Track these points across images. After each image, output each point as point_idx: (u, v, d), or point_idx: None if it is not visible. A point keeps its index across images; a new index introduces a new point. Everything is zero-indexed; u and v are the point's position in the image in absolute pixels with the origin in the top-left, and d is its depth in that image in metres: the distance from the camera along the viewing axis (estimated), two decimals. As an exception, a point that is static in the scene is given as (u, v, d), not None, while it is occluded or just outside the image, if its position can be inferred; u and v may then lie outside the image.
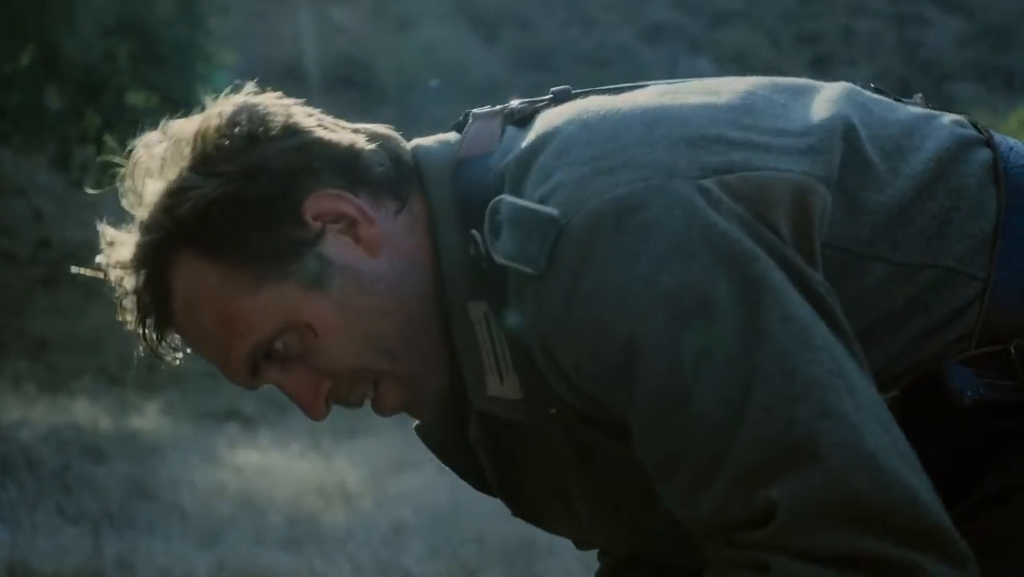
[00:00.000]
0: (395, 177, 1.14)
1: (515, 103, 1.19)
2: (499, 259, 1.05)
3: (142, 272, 1.12)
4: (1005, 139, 1.17)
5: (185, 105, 1.15)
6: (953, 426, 1.08)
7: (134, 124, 1.24)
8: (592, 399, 1.06)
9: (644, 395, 1.00)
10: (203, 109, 1.15)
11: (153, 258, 1.11)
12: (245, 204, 1.09)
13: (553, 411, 1.10)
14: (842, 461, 0.94)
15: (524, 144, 1.10)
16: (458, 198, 1.12)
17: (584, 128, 1.09)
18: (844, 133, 1.10)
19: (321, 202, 1.11)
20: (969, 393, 1.07)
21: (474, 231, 1.07)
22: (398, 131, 1.19)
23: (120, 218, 1.16)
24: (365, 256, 1.12)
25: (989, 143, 1.15)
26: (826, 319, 0.99)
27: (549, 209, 1.03)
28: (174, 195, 1.10)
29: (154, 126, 1.16)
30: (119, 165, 1.18)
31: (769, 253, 1.00)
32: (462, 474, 1.28)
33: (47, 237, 10.88)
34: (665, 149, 1.05)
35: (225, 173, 1.09)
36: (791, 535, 0.94)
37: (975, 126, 1.18)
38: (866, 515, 0.94)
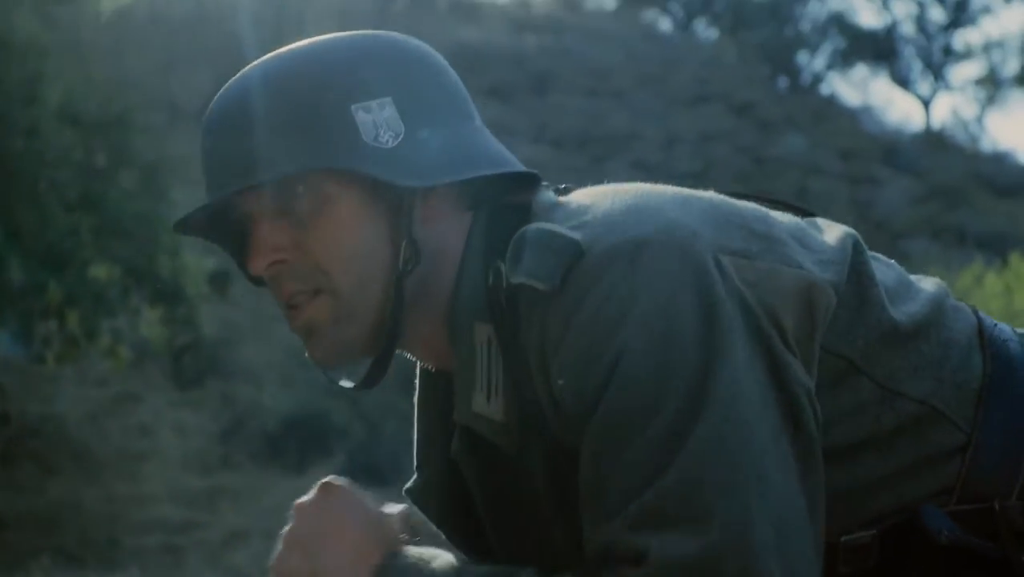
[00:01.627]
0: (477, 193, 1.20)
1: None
2: (516, 279, 1.08)
3: None
4: (987, 316, 1.22)
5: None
6: (930, 566, 1.10)
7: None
8: (570, 428, 1.08)
9: (599, 420, 1.04)
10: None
11: None
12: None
13: (530, 439, 1.13)
14: (722, 540, 0.98)
15: (560, 199, 1.18)
16: (490, 229, 1.17)
17: (621, 191, 1.16)
18: (855, 246, 1.16)
19: None
20: (945, 533, 1.09)
21: (499, 262, 1.12)
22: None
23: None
24: (420, 214, 1.16)
25: (975, 312, 1.21)
26: (789, 419, 1.04)
27: (574, 234, 1.08)
28: None
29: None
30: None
31: (757, 340, 1.05)
32: (455, 532, 1.30)
33: (6, 411, 10.73)
34: (695, 218, 1.11)
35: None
36: None
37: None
38: None
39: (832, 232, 1.18)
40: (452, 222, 1.19)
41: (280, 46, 1.21)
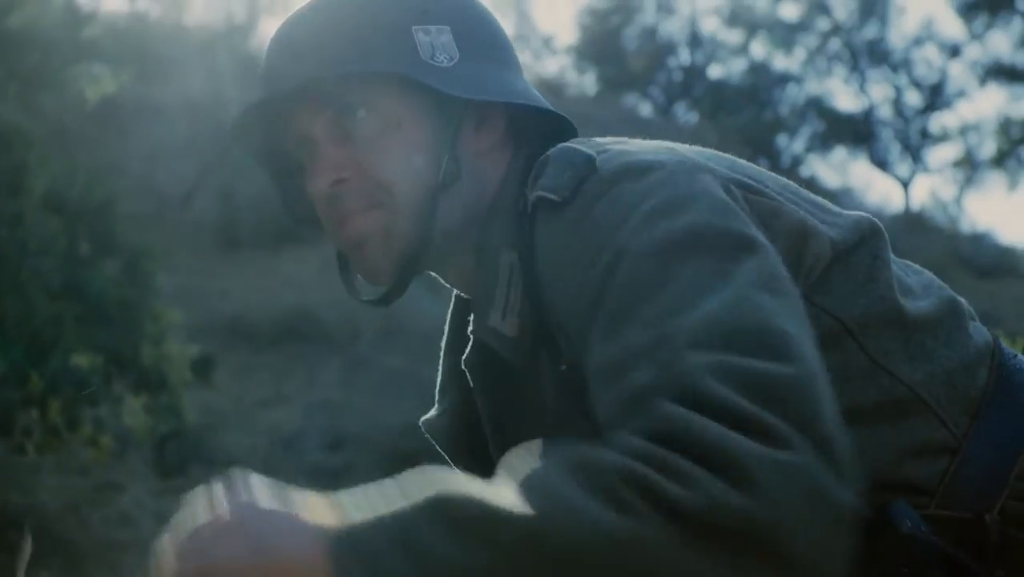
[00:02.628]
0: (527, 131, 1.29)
1: None
2: (534, 193, 1.13)
3: None
4: (1008, 348, 1.25)
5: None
6: (895, 557, 1.10)
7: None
8: (577, 332, 1.11)
9: (613, 296, 1.05)
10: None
11: None
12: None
13: (539, 355, 1.17)
14: (800, 367, 0.99)
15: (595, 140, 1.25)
16: (528, 163, 1.23)
17: (652, 142, 1.23)
18: (872, 228, 1.21)
19: (485, 104, 1.26)
20: (908, 524, 1.09)
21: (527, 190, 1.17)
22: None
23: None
24: (472, 145, 1.25)
25: (996, 339, 1.24)
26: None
27: (592, 152, 1.14)
28: None
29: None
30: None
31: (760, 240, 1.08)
32: (463, 465, 1.32)
33: (-14, 503, 10.62)
34: (712, 160, 1.17)
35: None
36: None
37: None
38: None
39: (852, 214, 1.23)
40: (497, 155, 1.27)
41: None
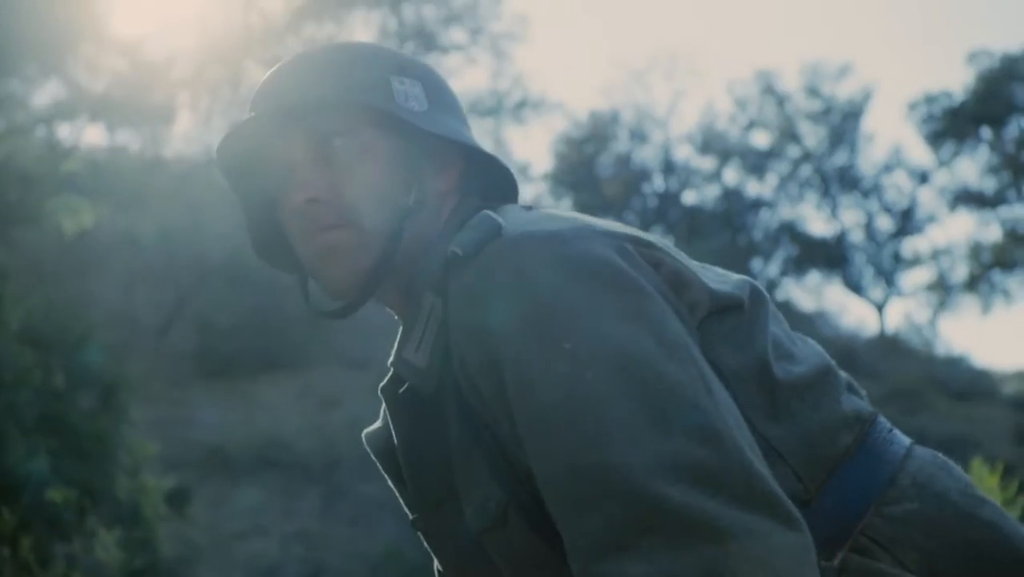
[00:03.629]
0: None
1: None
2: (450, 249, 1.23)
3: None
4: (886, 421, 1.33)
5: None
6: None
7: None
8: (479, 391, 1.20)
9: (524, 414, 1.14)
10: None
11: None
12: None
13: (445, 388, 1.25)
14: (721, 452, 1.08)
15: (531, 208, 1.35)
16: (468, 214, 1.34)
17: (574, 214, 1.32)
18: (753, 291, 1.30)
19: (448, 146, 1.38)
20: None
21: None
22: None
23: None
24: (432, 184, 1.36)
25: (875, 413, 1.32)
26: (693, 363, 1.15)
27: (502, 221, 1.24)
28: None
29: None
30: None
31: (652, 299, 1.17)
32: (388, 468, 1.43)
33: (-46, 643, 10.34)
34: (608, 226, 1.25)
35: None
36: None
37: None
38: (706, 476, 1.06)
39: (736, 277, 1.32)
40: (449, 199, 1.38)
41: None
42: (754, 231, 31.49)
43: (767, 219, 31.65)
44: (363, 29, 27.48)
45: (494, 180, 1.42)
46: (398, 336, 1.35)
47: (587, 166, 31.41)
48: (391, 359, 1.34)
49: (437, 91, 1.40)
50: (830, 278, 31.87)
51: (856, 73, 49.14)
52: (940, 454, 1.34)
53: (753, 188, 32.10)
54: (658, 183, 31.94)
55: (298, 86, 1.34)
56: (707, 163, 31.88)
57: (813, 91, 31.31)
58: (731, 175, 32.21)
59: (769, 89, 31.42)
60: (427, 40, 27.93)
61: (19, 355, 10.33)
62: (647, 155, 32.08)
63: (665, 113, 35.44)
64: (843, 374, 1.34)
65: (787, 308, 27.77)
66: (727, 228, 30.76)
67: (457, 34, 28.56)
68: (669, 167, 31.78)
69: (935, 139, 29.71)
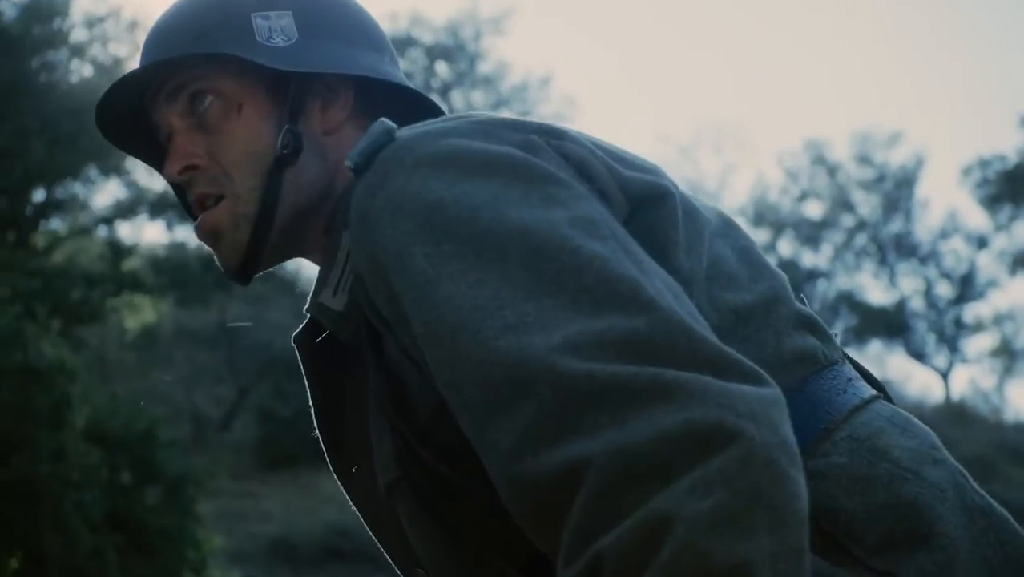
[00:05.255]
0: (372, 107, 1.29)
1: None
2: (346, 164, 1.13)
3: None
4: (849, 371, 1.18)
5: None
6: None
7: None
8: (382, 317, 1.08)
9: (417, 322, 1.01)
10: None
11: None
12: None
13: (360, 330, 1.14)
14: (653, 315, 0.94)
15: None
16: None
17: None
18: (664, 192, 1.13)
19: (332, 78, 1.27)
20: None
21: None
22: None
23: None
24: (319, 123, 1.26)
25: (828, 352, 1.17)
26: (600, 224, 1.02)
27: (393, 125, 1.12)
28: None
29: None
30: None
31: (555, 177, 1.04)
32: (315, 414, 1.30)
33: None
34: (515, 120, 1.13)
35: None
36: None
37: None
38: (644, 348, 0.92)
39: (647, 179, 1.16)
40: (350, 133, 1.27)
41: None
42: (812, 302, 31.18)
43: (824, 289, 31.45)
44: (414, 117, 27.83)
45: (410, 108, 1.30)
46: (315, 283, 1.25)
47: (641, 243, 31.41)
48: (306, 305, 1.25)
49: (317, 16, 1.29)
50: (892, 346, 31.52)
51: (907, 139, 49.00)
52: (910, 415, 1.19)
53: (808, 259, 31.95)
54: (713, 257, 31.84)
55: (157, 46, 1.26)
56: (761, 235, 31.78)
57: (864, 159, 31.26)
58: (785, 246, 32.11)
59: (820, 159, 31.42)
60: (477, 125, 28.24)
61: (86, 454, 10.47)
62: (700, 230, 32.03)
63: (716, 187, 35.42)
64: (806, 311, 1.20)
65: (849, 378, 27.33)
66: (784, 300, 30.55)
67: (507, 118, 28.84)
68: (723, 241, 31.68)
69: (991, 203, 29.45)
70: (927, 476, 1.11)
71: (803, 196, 32.08)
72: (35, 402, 10.06)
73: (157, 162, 1.33)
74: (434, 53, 28.09)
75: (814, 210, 32.85)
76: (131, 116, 1.31)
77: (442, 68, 28.35)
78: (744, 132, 47.32)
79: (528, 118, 1.14)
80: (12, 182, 15.72)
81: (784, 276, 1.22)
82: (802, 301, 1.23)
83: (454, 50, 28.20)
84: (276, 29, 1.26)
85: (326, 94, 1.27)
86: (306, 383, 1.28)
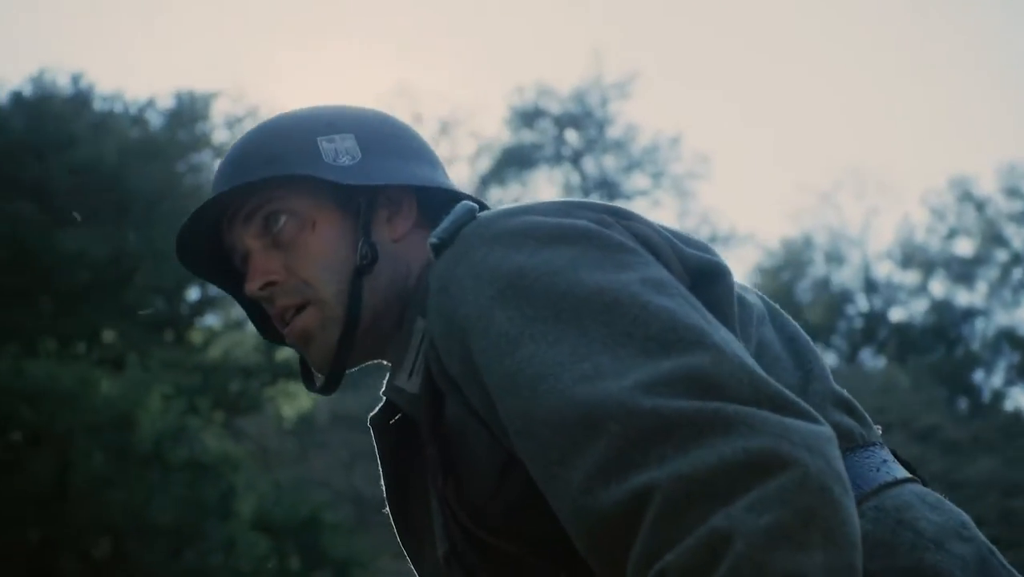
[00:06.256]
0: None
1: None
2: (428, 243, 1.20)
3: None
4: (884, 454, 1.24)
5: None
6: None
7: None
8: (454, 380, 1.14)
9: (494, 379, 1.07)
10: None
11: None
12: None
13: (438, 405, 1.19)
14: (714, 359, 1.00)
15: None
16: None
17: None
18: (721, 271, 1.22)
19: (395, 190, 1.36)
20: None
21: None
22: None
23: None
24: (387, 233, 1.34)
25: (863, 432, 1.23)
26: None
27: (475, 206, 1.21)
28: None
29: None
30: None
31: (625, 248, 1.12)
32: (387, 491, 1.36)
33: None
34: (586, 201, 1.21)
35: None
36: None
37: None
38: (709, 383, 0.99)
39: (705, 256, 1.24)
40: (416, 240, 1.35)
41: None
42: (971, 341, 30.31)
43: (983, 328, 30.43)
44: (547, 187, 28.10)
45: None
46: (389, 370, 1.33)
47: (786, 294, 30.94)
48: (383, 388, 1.32)
49: (373, 134, 1.37)
50: (1059, 382, 30.28)
51: (1055, 166, 47.43)
52: (942, 497, 1.23)
53: (963, 297, 30.99)
54: (862, 303, 31.20)
55: (231, 174, 1.34)
56: (910, 277, 31.03)
57: (1013, 191, 30.32)
58: (938, 287, 31.22)
59: (966, 195, 30.57)
60: (611, 189, 28.32)
61: (255, 543, 10.65)
62: (846, 276, 31.43)
63: (860, 231, 34.78)
64: (845, 394, 1.27)
65: (1019, 419, 26.48)
66: (941, 341, 29.70)
67: (640, 180, 28.89)
68: (871, 286, 31.06)
69: None
70: (951, 549, 1.14)
71: (951, 234, 31.19)
72: (203, 494, 10.31)
73: (232, 286, 1.42)
74: (562, 122, 28.30)
75: (964, 247, 31.91)
76: (208, 243, 1.39)
77: (572, 136, 28.54)
78: (885, 174, 46.48)
79: (602, 203, 1.22)
80: (168, 283, 16.25)
81: (824, 362, 1.30)
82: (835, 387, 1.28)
83: (582, 117, 28.39)
84: (341, 150, 1.34)
85: (390, 206, 1.36)
86: (379, 464, 1.35)
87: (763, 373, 1.01)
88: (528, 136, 28.14)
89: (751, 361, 1.02)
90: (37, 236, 13.72)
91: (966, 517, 1.20)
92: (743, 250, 42.38)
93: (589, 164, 28.70)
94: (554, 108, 28.45)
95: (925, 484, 1.26)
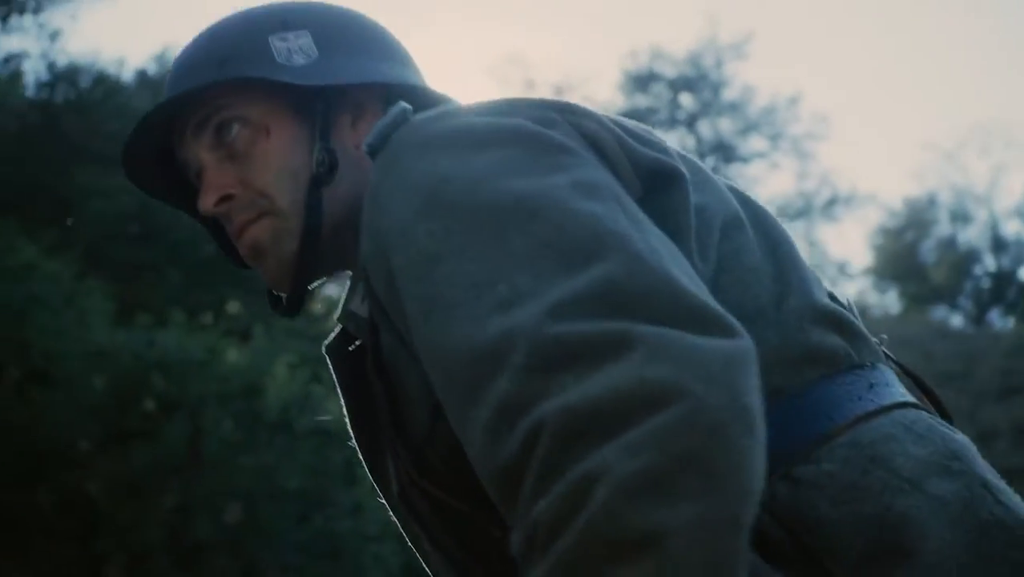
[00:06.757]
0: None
1: None
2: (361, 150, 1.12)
3: None
4: (876, 376, 1.09)
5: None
6: None
7: None
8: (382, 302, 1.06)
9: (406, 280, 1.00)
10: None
11: None
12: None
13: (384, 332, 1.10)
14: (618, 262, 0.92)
15: None
16: None
17: None
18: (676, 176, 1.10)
19: (358, 92, 1.26)
20: None
21: None
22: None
23: None
24: (350, 138, 1.24)
25: (852, 353, 1.09)
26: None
27: (408, 106, 1.11)
28: None
29: None
30: None
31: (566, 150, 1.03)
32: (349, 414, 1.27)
33: None
34: (537, 100, 1.10)
35: None
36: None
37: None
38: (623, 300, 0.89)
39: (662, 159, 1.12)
40: None
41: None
42: (1103, 299, 29.34)
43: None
44: (663, 151, 27.85)
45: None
46: (346, 291, 1.26)
47: (909, 255, 30.36)
48: (337, 312, 1.25)
49: (334, 33, 1.27)
50: None
51: None
52: (940, 423, 1.08)
53: (1099, 253, 30.06)
54: (989, 262, 30.45)
55: (179, 78, 1.25)
56: (1041, 233, 30.14)
57: None
58: (1070, 242, 30.33)
59: (1098, 147, 29.56)
60: (727, 152, 28.04)
61: (378, 508, 10.79)
62: (973, 235, 30.71)
63: (986, 189, 33.98)
64: (836, 310, 1.12)
65: None
66: (1073, 299, 28.83)
67: (757, 142, 28.54)
68: (999, 244, 30.26)
69: None
70: (929, 488, 1.00)
71: (1083, 188, 30.21)
72: (329, 461, 10.53)
73: (191, 204, 1.31)
74: (677, 86, 28.07)
75: (1096, 201, 30.83)
76: (160, 161, 1.30)
77: (686, 100, 28.30)
78: (1013, 131, 45.13)
79: (555, 100, 1.11)
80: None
81: (815, 274, 1.16)
82: (835, 299, 1.15)
83: (697, 80, 28.10)
84: (295, 49, 1.24)
85: (353, 109, 1.26)
86: (340, 394, 1.28)
87: (687, 284, 0.91)
88: (642, 100, 27.95)
89: (677, 271, 0.92)
90: (166, 212, 14.10)
91: (960, 445, 1.06)
92: (865, 210, 41.66)
93: (704, 127, 28.45)
94: (668, 71, 28.22)
95: (942, 411, 1.15)
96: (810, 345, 1.07)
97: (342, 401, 1.28)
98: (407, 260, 0.99)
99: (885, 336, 1.18)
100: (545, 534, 0.82)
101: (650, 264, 0.91)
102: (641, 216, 0.99)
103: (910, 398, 1.10)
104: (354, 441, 1.29)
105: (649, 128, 1.16)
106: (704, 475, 0.80)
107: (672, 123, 27.73)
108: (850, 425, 1.04)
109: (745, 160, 28.16)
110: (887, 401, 1.07)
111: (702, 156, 27.25)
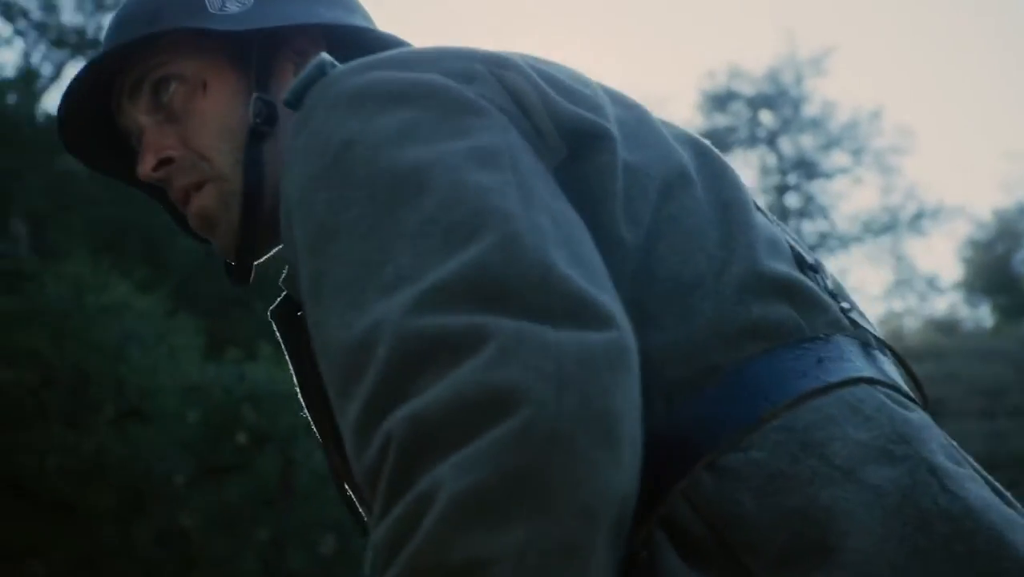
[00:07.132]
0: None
1: None
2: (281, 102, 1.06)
3: None
4: (832, 349, 0.97)
5: None
6: None
7: None
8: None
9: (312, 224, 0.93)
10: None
11: None
12: None
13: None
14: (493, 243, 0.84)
15: None
16: None
17: None
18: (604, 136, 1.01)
19: (299, 39, 1.19)
20: None
21: None
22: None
23: None
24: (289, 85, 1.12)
25: (802, 325, 0.98)
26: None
27: (330, 58, 1.02)
28: None
29: None
30: None
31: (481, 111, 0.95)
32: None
33: None
34: (467, 49, 1.02)
35: None
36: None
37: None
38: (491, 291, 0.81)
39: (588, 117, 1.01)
40: None
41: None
42: None
43: None
44: (743, 169, 27.68)
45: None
46: None
47: (1000, 267, 29.77)
48: (283, 277, 1.18)
49: None
50: None
51: None
52: (895, 402, 0.95)
53: None
54: (1085, 271, 29.74)
55: (110, 38, 1.19)
56: None
57: None
58: None
59: None
60: (809, 169, 27.75)
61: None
62: (1066, 245, 30.02)
63: (1076, 197, 33.16)
64: (790, 276, 1.00)
65: None
66: None
67: (839, 158, 28.18)
68: (1094, 253, 29.57)
69: None
70: (865, 476, 0.88)
71: None
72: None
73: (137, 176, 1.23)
74: (756, 103, 27.86)
75: None
76: (104, 133, 1.24)
77: (766, 117, 28.08)
78: (1100, 135, 44.12)
79: (489, 51, 1.03)
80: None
81: (777, 234, 1.05)
82: (802, 262, 1.04)
83: (776, 97, 27.88)
84: None
85: (295, 56, 1.20)
86: (288, 360, 1.22)
87: (564, 268, 0.83)
88: (721, 120, 27.76)
89: (560, 253, 0.84)
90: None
91: (912, 427, 0.94)
92: (953, 223, 40.91)
93: (786, 144, 28.18)
94: (747, 90, 28.02)
95: (917, 388, 1.04)
96: (751, 317, 0.96)
97: (291, 367, 1.22)
98: (305, 232, 0.92)
99: (855, 301, 1.07)
100: (381, 563, 0.77)
101: (527, 245, 0.83)
102: (539, 187, 0.90)
103: (866, 373, 0.97)
104: (304, 408, 1.22)
105: (590, 81, 1.07)
106: (540, 493, 0.72)
107: (752, 141, 27.53)
108: (789, 406, 0.91)
109: (828, 176, 27.84)
110: (835, 378, 0.94)
111: (784, 173, 27.05)
